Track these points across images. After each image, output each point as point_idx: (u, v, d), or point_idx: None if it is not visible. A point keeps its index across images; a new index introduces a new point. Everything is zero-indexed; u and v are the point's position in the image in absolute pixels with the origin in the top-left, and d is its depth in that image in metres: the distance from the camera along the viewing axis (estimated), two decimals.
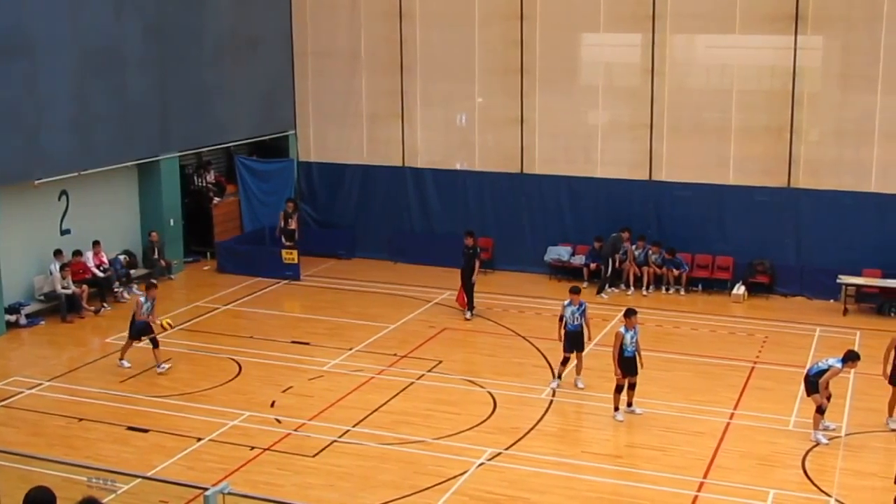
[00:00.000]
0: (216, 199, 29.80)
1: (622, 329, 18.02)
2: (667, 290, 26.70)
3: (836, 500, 14.97)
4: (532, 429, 17.57)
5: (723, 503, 15.03)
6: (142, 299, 20.54)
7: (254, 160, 30.63)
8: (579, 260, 27.58)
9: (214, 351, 21.60)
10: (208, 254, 29.43)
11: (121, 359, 20.56)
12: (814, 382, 17.06)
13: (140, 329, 20.43)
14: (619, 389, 18.02)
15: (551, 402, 18.81)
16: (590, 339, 19.67)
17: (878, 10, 25.18)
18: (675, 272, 26.80)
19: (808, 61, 26.17)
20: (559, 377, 19.46)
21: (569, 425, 18.03)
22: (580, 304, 19.29)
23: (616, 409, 18.01)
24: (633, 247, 26.75)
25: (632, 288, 26.56)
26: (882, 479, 15.44)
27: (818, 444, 16.98)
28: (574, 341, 19.21)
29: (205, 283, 27.09)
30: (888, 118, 25.54)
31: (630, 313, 18.21)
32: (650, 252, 26.77)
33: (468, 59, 28.68)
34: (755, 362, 21.22)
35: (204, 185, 29.89)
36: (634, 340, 17.99)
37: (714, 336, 23.16)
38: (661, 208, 27.28)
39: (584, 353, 19.43)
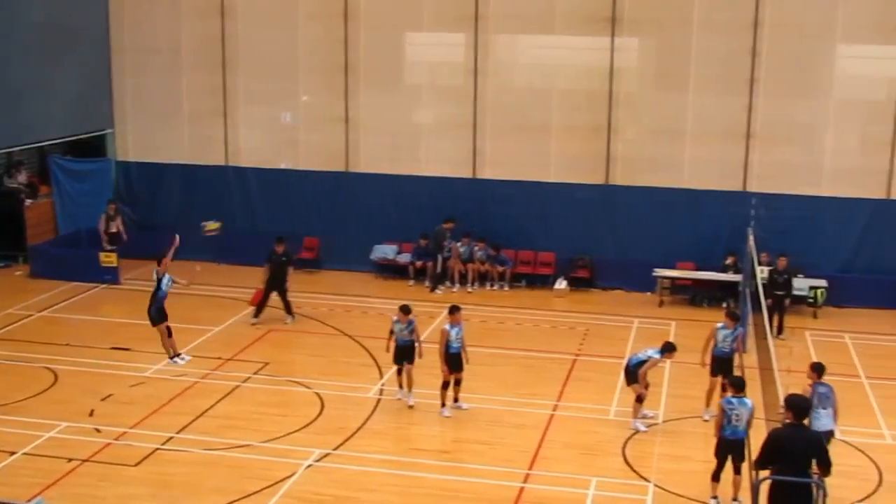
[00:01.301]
0: (28, 201, 28.59)
1: (447, 326, 18.19)
2: (491, 286, 27.11)
3: (655, 485, 15.48)
4: (360, 428, 17.55)
5: (548, 493, 15.34)
6: None
7: (69, 160, 29.56)
8: (405, 258, 27.72)
9: (28, 360, 20.72)
10: (20, 258, 28.26)
11: None
12: (633, 373, 17.59)
13: None
14: (445, 386, 18.18)
15: (379, 400, 18.84)
16: (420, 355, 18.71)
17: (688, 13, 26.21)
18: (500, 268, 27.23)
19: (624, 62, 27.01)
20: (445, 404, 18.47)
21: (396, 423, 18.07)
22: (409, 322, 18.60)
23: (443, 405, 18.16)
24: (458, 244, 27.04)
25: (457, 284, 26.85)
26: (697, 462, 16.04)
27: (637, 431, 17.54)
28: (403, 354, 18.67)
29: (17, 289, 26.01)
30: (699, 117, 26.60)
31: (454, 310, 18.37)
32: (475, 249, 27.13)
33: (292, 56, 28.44)
34: (577, 355, 21.76)
35: (15, 185, 28.70)
36: (459, 337, 18.16)
37: (537, 330, 23.64)
38: (485, 206, 27.66)
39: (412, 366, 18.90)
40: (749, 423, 14.54)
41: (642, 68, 27.66)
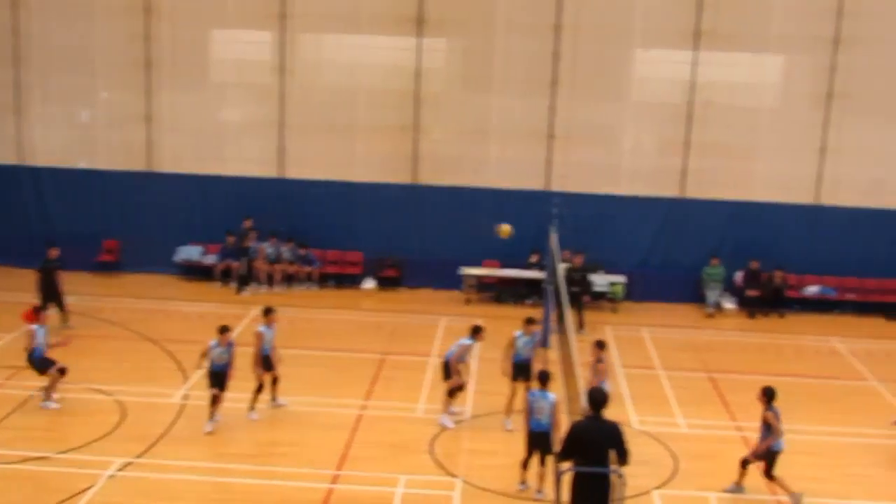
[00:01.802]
0: None
1: (262, 328, 18.03)
2: (299, 286, 26.92)
3: (464, 481, 15.68)
4: (164, 434, 17.09)
5: (356, 493, 15.31)
6: None
7: None
8: (211, 259, 27.23)
9: None
10: None
11: None
12: (451, 367, 17.84)
13: None
14: (260, 389, 17.97)
15: (184, 405, 18.42)
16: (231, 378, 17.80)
17: (493, 16, 26.71)
18: (307, 268, 27.09)
19: (431, 62, 27.31)
20: None
21: (201, 428, 17.68)
22: (228, 345, 17.57)
23: (252, 408, 17.93)
24: (266, 244, 26.73)
25: (264, 285, 26.56)
26: (504, 456, 16.33)
27: (445, 428, 17.74)
28: (219, 379, 17.50)
29: None
30: (503, 117, 27.14)
31: (269, 311, 18.23)
32: (282, 249, 26.88)
33: (90, 52, 27.52)
34: (385, 354, 21.85)
35: None
36: (272, 338, 18.07)
37: (345, 330, 23.62)
38: (292, 205, 27.46)
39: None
40: (552, 416, 14.90)
41: (448, 69, 28.02)
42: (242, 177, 27.57)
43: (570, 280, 23.83)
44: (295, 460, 16.26)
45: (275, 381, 18.28)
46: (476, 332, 18.08)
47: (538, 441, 15.00)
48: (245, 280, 26.39)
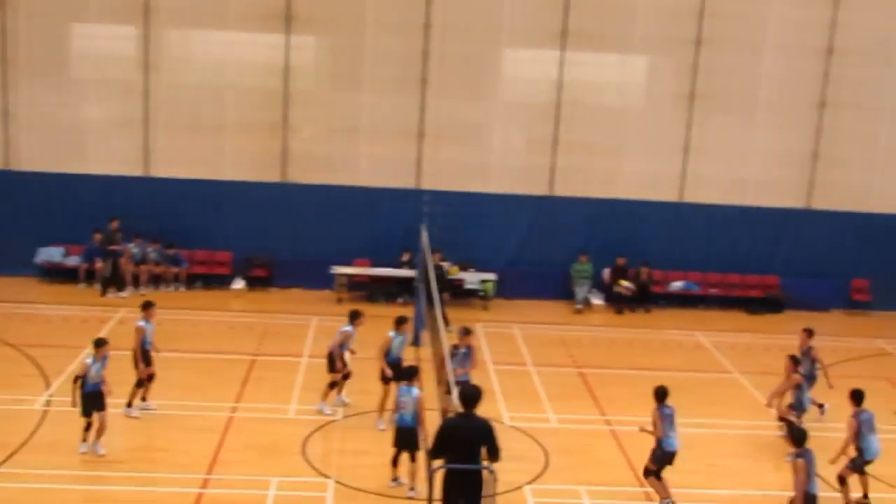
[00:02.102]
0: None
1: (143, 322, 17.78)
2: (166, 287, 26.42)
3: (336, 481, 15.58)
4: (25, 443, 16.50)
5: (227, 497, 15.08)
6: None
7: None
8: (74, 261, 26.50)
9: None
10: None
11: None
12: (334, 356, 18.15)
13: None
14: (140, 384, 17.77)
15: (46, 412, 17.84)
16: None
17: (362, 13, 26.64)
18: (175, 269, 26.59)
19: (300, 60, 27.10)
20: None
21: (67, 435, 17.10)
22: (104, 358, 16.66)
23: (129, 404, 17.61)
24: (131, 244, 26.13)
25: (130, 287, 25.95)
26: (376, 455, 16.27)
27: (323, 413, 17.91)
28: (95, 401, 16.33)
29: None
30: (373, 116, 27.10)
31: (148, 306, 18.11)
32: (148, 250, 26.31)
33: None
34: (256, 355, 21.59)
35: None
36: (150, 332, 18.03)
37: (215, 331, 23.26)
38: (158, 204, 26.89)
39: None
40: (416, 412, 14.94)
41: (318, 67, 27.84)
42: (106, 175, 26.87)
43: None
44: (165, 465, 15.93)
45: (150, 378, 17.93)
46: (355, 317, 18.25)
47: (403, 437, 15.09)
48: (111, 282, 25.74)
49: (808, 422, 18.40)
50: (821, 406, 19.45)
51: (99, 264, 25.94)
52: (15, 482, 15.11)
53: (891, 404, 20.07)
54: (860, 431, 15.27)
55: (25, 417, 17.50)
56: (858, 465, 15.45)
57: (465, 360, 17.59)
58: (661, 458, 15.07)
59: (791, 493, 13.62)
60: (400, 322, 18.24)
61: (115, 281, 25.77)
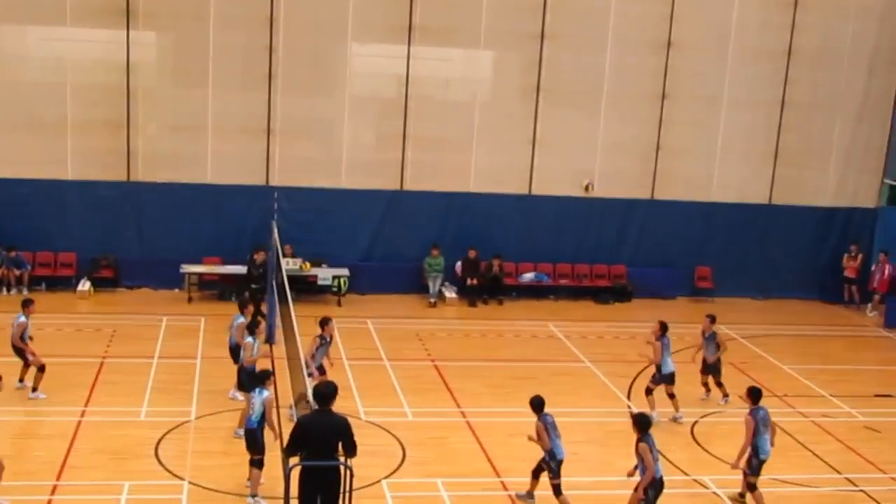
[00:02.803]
0: None
1: (23, 318, 18.62)
2: (9, 291, 25.54)
3: (190, 482, 15.36)
4: None
5: (78, 503, 14.72)
6: None
7: None
8: None
9: None
10: None
11: None
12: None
13: None
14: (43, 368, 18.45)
15: None
16: None
17: (205, 8, 26.20)
18: (17, 272, 25.73)
19: (141, 56, 26.49)
20: None
21: None
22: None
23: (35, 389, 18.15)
24: None
25: None
26: (232, 456, 16.10)
27: (235, 400, 18.15)
28: None
29: None
30: (220, 113, 26.70)
31: (28, 303, 18.97)
32: None
33: None
34: (104, 357, 21.08)
35: None
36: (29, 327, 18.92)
37: (61, 334, 22.60)
38: None
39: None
40: (264, 414, 14.59)
41: (160, 63, 27.27)
42: None
43: (251, 277, 23.63)
44: (11, 474, 15.35)
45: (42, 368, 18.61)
46: (246, 303, 18.95)
47: (248, 439, 14.77)
48: None
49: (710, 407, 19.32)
50: (725, 395, 20.33)
51: None
52: None
53: (736, 388, 20.83)
54: (757, 429, 15.16)
55: None
56: (755, 466, 15.26)
57: (326, 351, 17.99)
58: (556, 468, 14.90)
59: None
60: (253, 327, 18.11)
61: None
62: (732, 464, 15.39)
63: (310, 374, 16.58)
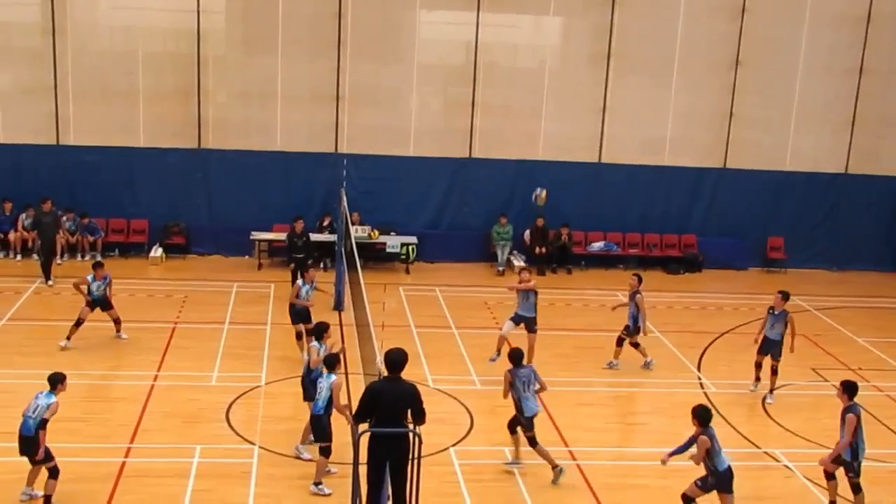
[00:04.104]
0: None
1: (90, 277, 19.40)
2: (83, 257, 25.94)
3: (260, 447, 15.49)
4: None
5: (151, 465, 14.94)
6: None
7: None
8: None
9: None
10: None
11: None
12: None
13: None
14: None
15: None
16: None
17: None
18: (91, 238, 26.11)
19: (211, 24, 26.65)
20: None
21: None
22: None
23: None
24: (23, 215, 25.63)
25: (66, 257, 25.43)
26: (299, 421, 16.15)
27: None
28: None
29: None
30: (289, 80, 26.78)
31: (98, 266, 19.74)
32: (64, 219, 25.74)
33: None
34: (176, 322, 21.32)
35: None
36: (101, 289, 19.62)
37: (134, 300, 22.87)
38: (71, 173, 26.34)
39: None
40: (331, 399, 14.33)
41: (229, 31, 27.44)
42: (16, 144, 26.20)
43: (293, 246, 23.64)
44: (86, 435, 15.71)
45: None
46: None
47: (313, 424, 14.55)
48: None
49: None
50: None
51: (12, 234, 25.39)
52: None
53: (809, 360, 20.55)
54: (858, 427, 14.05)
55: None
56: (857, 468, 14.21)
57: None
58: (527, 424, 14.92)
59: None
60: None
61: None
62: (822, 462, 14.38)
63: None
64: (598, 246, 28.10)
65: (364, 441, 11.79)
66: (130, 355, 19.24)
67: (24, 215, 25.77)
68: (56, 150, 26.40)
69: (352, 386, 16.87)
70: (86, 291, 19.52)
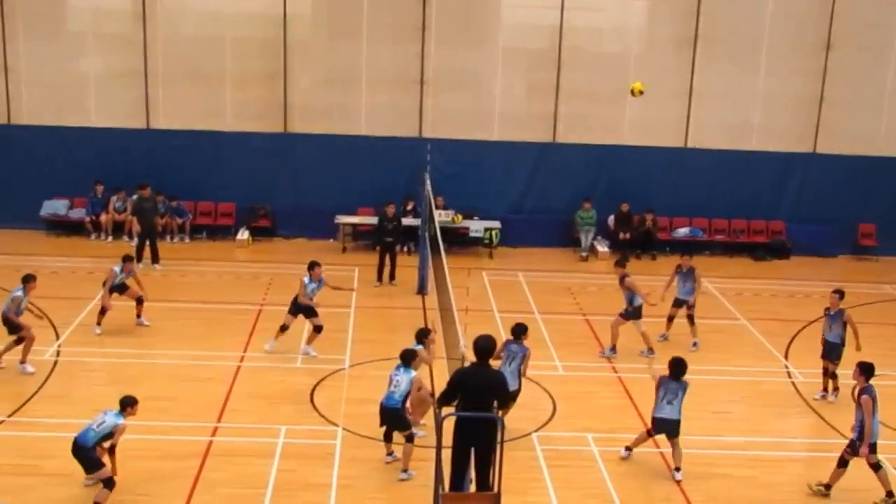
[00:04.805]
0: None
1: (116, 268, 19.47)
2: (171, 239, 26.41)
3: (344, 428, 15.65)
4: (36, 393, 16.63)
5: (237, 445, 15.18)
6: None
7: None
8: (78, 213, 26.51)
9: None
10: None
11: None
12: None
13: None
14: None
15: (56, 362, 17.92)
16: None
17: None
18: (179, 220, 26.57)
19: (297, 9, 26.92)
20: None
21: (74, 386, 17.27)
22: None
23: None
24: (114, 197, 26.18)
25: (136, 238, 25.84)
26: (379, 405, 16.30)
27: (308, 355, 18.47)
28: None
29: None
30: (373, 64, 26.93)
31: (128, 258, 19.80)
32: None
33: None
34: (262, 304, 21.60)
35: None
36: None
37: (221, 282, 23.26)
38: (160, 157, 26.83)
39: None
40: (408, 393, 14.46)
41: (315, 16, 27.68)
42: (107, 128, 26.78)
43: (383, 230, 23.72)
44: (174, 414, 16.01)
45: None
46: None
47: (388, 417, 14.48)
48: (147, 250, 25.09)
49: None
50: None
51: (105, 215, 25.98)
52: (28, 431, 15.28)
53: None
54: (874, 409, 14.04)
55: (37, 368, 17.54)
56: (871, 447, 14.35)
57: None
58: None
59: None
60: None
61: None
62: (862, 452, 14.02)
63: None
64: (683, 232, 27.80)
65: (448, 425, 11.82)
66: (217, 337, 19.55)
67: (114, 198, 26.37)
68: (146, 134, 26.92)
69: (434, 370, 16.99)
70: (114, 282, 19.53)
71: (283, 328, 18.80)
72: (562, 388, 17.74)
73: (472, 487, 12.06)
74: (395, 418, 14.46)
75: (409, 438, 14.39)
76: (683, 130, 27.73)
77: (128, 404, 13.72)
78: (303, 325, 19.48)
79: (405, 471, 14.37)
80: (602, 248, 27.25)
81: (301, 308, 18.84)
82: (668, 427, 14.66)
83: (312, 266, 19.07)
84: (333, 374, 17.92)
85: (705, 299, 23.69)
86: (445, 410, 11.89)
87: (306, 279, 18.97)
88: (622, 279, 19.55)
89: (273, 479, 14.12)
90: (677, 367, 14.64)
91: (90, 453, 13.35)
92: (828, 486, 14.28)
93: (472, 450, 11.90)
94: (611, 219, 27.40)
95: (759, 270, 26.76)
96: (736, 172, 27.81)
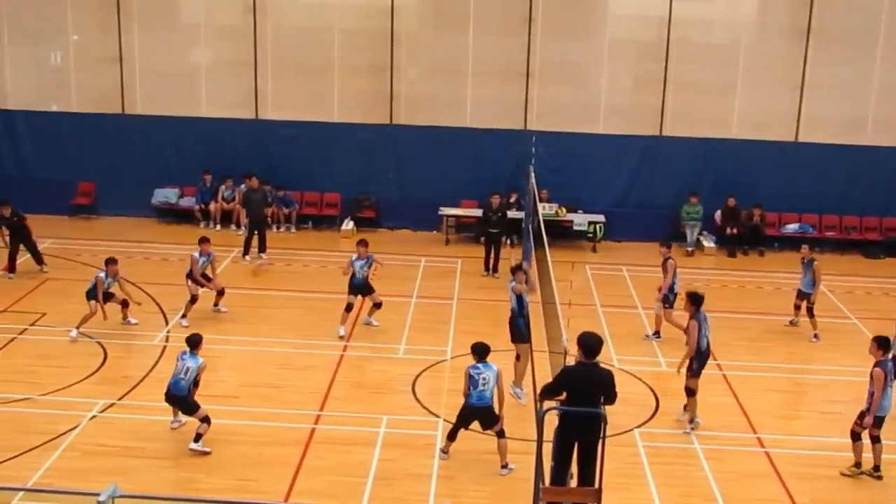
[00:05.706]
0: None
1: (195, 254, 19.83)
2: (278, 228, 26.80)
3: (445, 420, 15.70)
4: (146, 377, 17.05)
5: (339, 433, 15.34)
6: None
7: None
8: (188, 202, 27.08)
9: None
10: None
11: None
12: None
13: None
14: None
15: (164, 347, 18.35)
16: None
17: None
18: (286, 210, 26.95)
19: (404, 0, 26.95)
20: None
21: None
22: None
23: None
24: (242, 186, 26.48)
25: (243, 227, 26.30)
26: None
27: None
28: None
29: None
30: (479, 56, 26.91)
31: (203, 240, 20.13)
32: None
33: None
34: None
35: None
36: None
37: (325, 271, 23.52)
38: (268, 147, 27.24)
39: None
40: (496, 387, 14.26)
41: (422, 7, 27.79)
42: (217, 118, 27.30)
43: (487, 221, 23.65)
44: (276, 401, 16.26)
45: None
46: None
47: (480, 415, 14.25)
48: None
49: None
50: None
51: (214, 204, 26.49)
52: (137, 414, 15.67)
53: None
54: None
55: (146, 353, 18.05)
56: (877, 422, 14.45)
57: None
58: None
59: None
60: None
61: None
62: (867, 422, 14.37)
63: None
64: (792, 227, 27.21)
65: (551, 419, 11.79)
66: (321, 325, 19.76)
67: (223, 187, 26.88)
68: (254, 125, 27.36)
69: (536, 364, 16.94)
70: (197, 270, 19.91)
71: (349, 308, 19.32)
72: (665, 384, 17.53)
73: (574, 482, 12.01)
74: (490, 416, 14.32)
75: (501, 434, 14.33)
76: (794, 124, 27.11)
77: (196, 343, 14.91)
78: (405, 317, 19.59)
79: (504, 466, 14.33)
80: (708, 243, 26.83)
81: (358, 287, 19.56)
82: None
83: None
84: (435, 366, 18.00)
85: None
86: (547, 404, 11.86)
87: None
88: (665, 261, 19.63)
89: (374, 468, 14.25)
90: None
91: (188, 399, 14.67)
92: (857, 465, 14.57)
93: (577, 445, 11.85)
94: (717, 214, 26.96)
95: (872, 268, 26.05)
96: (848, 167, 27.08)
